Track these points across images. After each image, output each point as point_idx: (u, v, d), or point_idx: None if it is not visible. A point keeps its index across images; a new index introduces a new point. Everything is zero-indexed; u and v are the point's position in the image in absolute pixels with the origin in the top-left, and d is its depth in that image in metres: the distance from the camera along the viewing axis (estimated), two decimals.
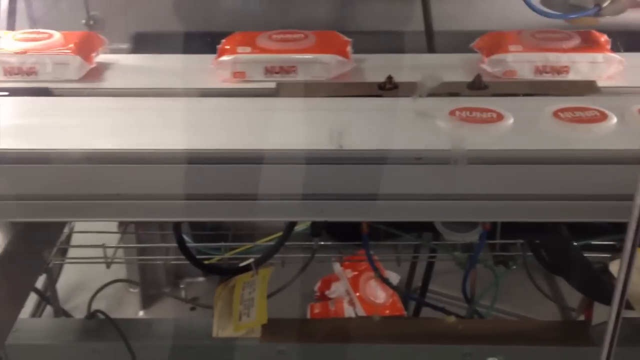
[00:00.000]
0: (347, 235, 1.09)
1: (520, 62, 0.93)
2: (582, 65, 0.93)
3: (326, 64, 0.93)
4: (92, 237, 1.11)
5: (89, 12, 1.34)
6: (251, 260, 1.04)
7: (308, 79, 0.93)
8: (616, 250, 1.03)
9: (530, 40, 0.95)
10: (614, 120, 0.79)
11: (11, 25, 1.23)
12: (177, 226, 1.00)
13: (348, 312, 1.41)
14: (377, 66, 0.97)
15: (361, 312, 1.40)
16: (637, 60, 0.97)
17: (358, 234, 1.02)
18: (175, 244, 1.03)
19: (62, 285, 1.38)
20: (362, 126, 0.80)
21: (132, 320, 1.36)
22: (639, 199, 0.55)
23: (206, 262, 1.10)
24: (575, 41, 0.95)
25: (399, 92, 0.90)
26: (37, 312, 1.40)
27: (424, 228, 1.09)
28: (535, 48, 0.94)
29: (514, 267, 1.12)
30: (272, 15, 1.32)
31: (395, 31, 1.28)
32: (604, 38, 0.96)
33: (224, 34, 1.00)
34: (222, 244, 1.10)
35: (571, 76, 0.93)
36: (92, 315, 1.10)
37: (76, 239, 1.19)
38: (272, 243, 1.07)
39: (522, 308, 1.41)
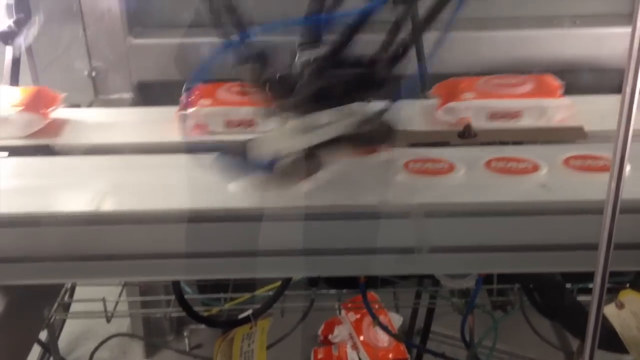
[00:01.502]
0: (345, 283, 1.10)
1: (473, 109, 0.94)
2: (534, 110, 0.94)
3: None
4: (94, 289, 1.12)
5: (91, 63, 1.37)
6: (250, 311, 1.04)
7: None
8: (611, 293, 1.03)
9: (483, 86, 0.96)
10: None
11: (15, 79, 1.25)
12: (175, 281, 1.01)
13: (351, 356, 1.41)
14: None
15: (365, 357, 1.40)
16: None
17: (356, 281, 1.03)
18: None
19: (65, 334, 1.39)
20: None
21: None
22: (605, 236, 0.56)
23: (206, 313, 1.11)
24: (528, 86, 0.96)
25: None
26: None
27: (423, 274, 1.10)
28: (488, 95, 0.94)
29: (512, 311, 1.12)
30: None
31: None
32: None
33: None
34: (222, 295, 1.11)
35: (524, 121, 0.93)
36: None
37: (78, 291, 1.20)
38: (271, 293, 1.08)
39: (525, 350, 1.41)
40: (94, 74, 1.36)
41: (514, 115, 0.93)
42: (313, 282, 1.07)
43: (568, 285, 1.05)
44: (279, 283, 1.05)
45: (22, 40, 1.22)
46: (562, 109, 0.94)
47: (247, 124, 0.93)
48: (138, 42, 1.36)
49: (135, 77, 1.38)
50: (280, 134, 0.75)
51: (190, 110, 0.93)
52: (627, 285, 0.95)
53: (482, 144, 0.91)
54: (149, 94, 1.37)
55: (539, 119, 0.93)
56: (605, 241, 0.54)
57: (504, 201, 0.76)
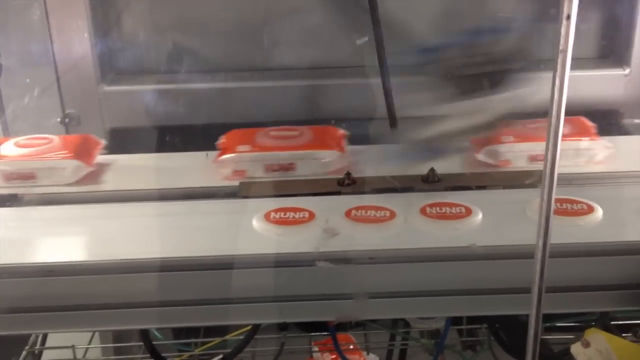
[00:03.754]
0: (315, 326, 1.11)
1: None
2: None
3: (325, 160, 0.96)
4: (65, 335, 1.12)
5: (64, 110, 1.38)
6: (220, 356, 1.04)
7: (307, 175, 0.95)
8: (578, 331, 1.05)
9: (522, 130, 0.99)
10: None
11: None
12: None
13: None
14: (369, 158, 1.00)
15: None
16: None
17: (326, 324, 1.04)
18: None
19: None
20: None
21: None
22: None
23: (177, 359, 1.11)
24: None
25: (357, 188, 0.93)
26: None
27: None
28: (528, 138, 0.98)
29: (482, 350, 1.13)
30: (246, 108, 1.37)
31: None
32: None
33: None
34: (193, 340, 1.11)
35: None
36: None
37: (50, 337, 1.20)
38: (242, 337, 1.08)
39: None
40: (66, 120, 1.37)
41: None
42: (283, 326, 1.07)
43: None
44: (249, 327, 1.05)
45: None
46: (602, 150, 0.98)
47: (286, 168, 0.95)
48: (110, 89, 1.37)
49: (108, 124, 1.38)
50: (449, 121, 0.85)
51: (229, 156, 0.95)
52: (593, 323, 0.96)
53: (447, 188, 0.93)
54: (122, 140, 1.39)
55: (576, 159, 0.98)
56: (537, 283, 0.56)
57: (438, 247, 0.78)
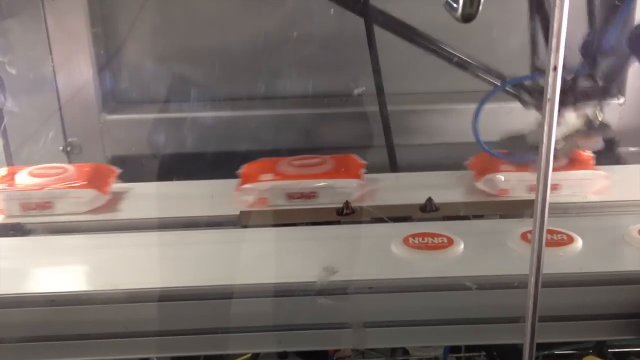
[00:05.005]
0: (314, 355, 1.11)
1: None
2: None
3: (345, 188, 0.97)
4: None
5: (66, 138, 1.40)
6: None
7: (327, 203, 0.97)
8: (575, 359, 1.05)
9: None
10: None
11: None
12: None
13: None
14: (389, 186, 1.03)
15: None
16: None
17: (325, 353, 1.04)
18: None
19: None
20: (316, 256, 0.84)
21: None
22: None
23: None
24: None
25: (355, 217, 0.95)
26: None
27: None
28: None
29: None
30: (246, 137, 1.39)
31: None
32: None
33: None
34: None
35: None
36: None
37: None
38: None
39: None
40: (68, 149, 1.39)
41: (553, 187, 0.98)
42: (282, 355, 1.07)
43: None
44: (249, 355, 1.06)
45: None
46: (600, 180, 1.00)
47: (308, 196, 0.96)
48: (112, 117, 1.40)
49: (109, 152, 1.40)
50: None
51: (251, 184, 0.96)
52: (590, 351, 0.97)
53: (444, 218, 0.94)
54: (123, 168, 1.40)
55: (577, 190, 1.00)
56: (530, 311, 0.57)
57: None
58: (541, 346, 1.08)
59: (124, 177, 1.12)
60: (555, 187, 0.98)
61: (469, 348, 1.10)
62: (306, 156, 1.03)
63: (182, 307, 0.79)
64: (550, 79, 0.44)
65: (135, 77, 1.43)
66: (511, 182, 0.99)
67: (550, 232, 0.85)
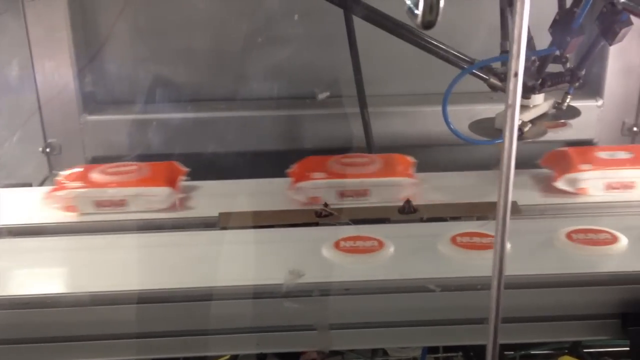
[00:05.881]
0: (293, 357, 1.11)
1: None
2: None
3: (397, 187, 0.98)
4: None
5: (46, 139, 1.39)
6: None
7: (378, 202, 0.98)
8: (552, 359, 1.06)
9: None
10: None
11: None
12: None
13: None
14: (438, 186, 1.03)
15: None
16: None
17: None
18: None
19: None
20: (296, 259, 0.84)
21: None
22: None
23: None
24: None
25: (334, 219, 0.95)
26: None
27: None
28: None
29: None
30: (224, 138, 1.39)
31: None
32: None
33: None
34: None
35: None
36: None
37: None
38: None
39: None
40: (48, 150, 1.38)
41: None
42: (261, 356, 1.08)
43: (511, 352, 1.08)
44: (228, 356, 1.06)
45: None
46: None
47: (361, 194, 0.97)
48: (92, 118, 1.39)
49: (90, 153, 1.40)
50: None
51: (305, 183, 0.97)
52: (566, 351, 0.98)
53: (422, 219, 0.95)
54: None
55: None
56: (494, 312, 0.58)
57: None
58: (518, 346, 1.09)
59: None
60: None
61: (447, 349, 1.11)
62: (356, 154, 1.04)
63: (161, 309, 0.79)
64: (511, 85, 0.44)
65: (116, 79, 1.42)
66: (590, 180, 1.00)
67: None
